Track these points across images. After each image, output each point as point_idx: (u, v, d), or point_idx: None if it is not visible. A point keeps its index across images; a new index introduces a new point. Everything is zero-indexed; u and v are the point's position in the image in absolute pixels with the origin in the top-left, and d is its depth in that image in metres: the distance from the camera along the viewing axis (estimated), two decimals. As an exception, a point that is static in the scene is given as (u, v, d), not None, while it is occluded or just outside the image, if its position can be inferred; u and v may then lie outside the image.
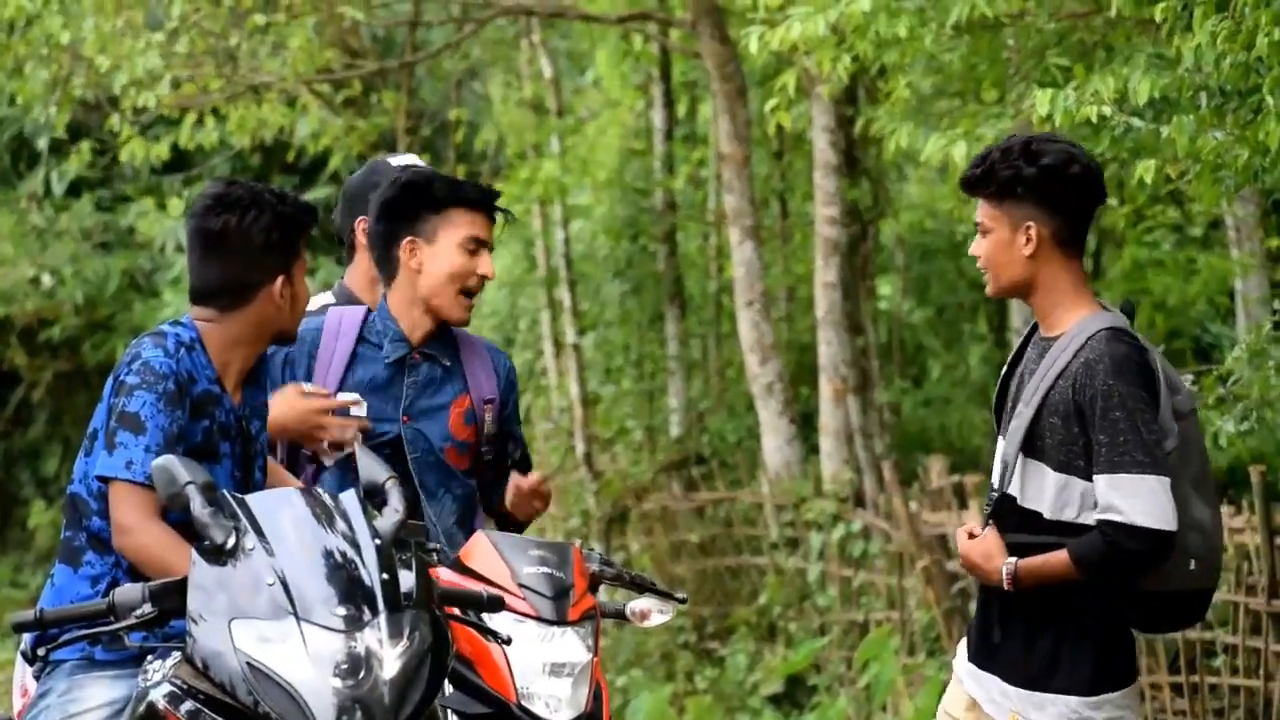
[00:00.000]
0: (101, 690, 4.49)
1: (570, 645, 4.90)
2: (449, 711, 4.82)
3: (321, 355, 5.38)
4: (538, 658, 4.85)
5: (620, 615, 5.34)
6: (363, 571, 3.91)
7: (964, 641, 5.25)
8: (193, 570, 3.95)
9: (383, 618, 3.87)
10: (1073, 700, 4.98)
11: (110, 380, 4.58)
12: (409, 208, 5.31)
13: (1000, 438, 5.14)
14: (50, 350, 20.54)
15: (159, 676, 4.13)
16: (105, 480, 4.50)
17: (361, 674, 3.82)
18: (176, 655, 4.10)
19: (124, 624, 4.03)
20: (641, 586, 5.33)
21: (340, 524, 3.99)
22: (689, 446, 15.34)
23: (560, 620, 4.89)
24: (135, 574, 4.47)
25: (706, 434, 15.63)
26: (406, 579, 3.94)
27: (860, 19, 8.16)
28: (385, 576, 3.91)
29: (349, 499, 4.05)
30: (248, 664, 3.83)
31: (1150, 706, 8.96)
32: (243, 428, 4.67)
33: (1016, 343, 5.28)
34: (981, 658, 5.11)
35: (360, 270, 5.66)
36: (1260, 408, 7.45)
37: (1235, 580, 8.33)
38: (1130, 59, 7.39)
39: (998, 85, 9.65)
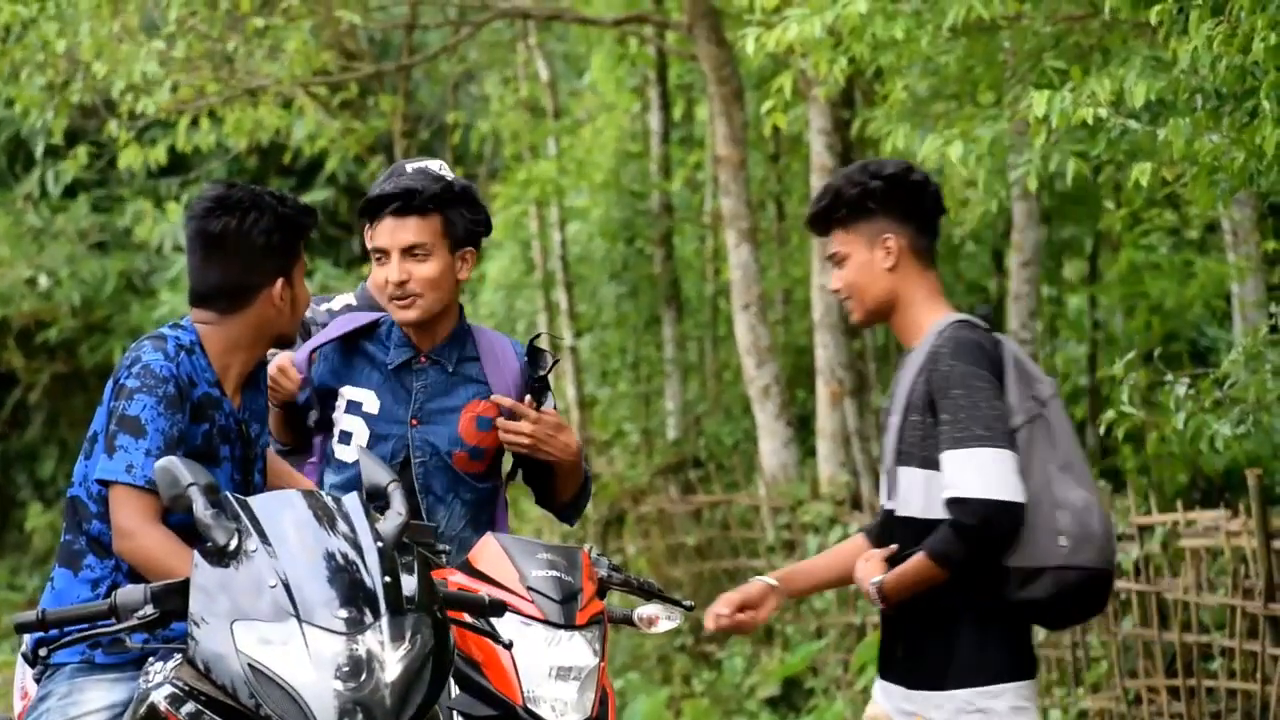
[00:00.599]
0: (101, 693, 4.49)
1: (577, 649, 4.90)
2: (455, 713, 4.82)
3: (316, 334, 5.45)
4: (544, 661, 4.85)
5: (628, 621, 5.34)
6: (365, 574, 3.91)
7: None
8: (195, 572, 3.95)
9: (384, 620, 3.87)
10: (968, 693, 4.96)
11: (110, 383, 4.58)
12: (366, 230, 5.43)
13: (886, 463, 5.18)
14: (47, 352, 20.53)
15: (160, 678, 4.13)
16: (105, 484, 4.49)
17: (363, 676, 3.82)
18: (177, 657, 4.10)
19: (126, 625, 4.03)
20: (649, 593, 5.33)
21: (342, 526, 3.99)
22: (686, 449, 15.35)
23: (568, 624, 4.89)
24: (135, 577, 4.46)
25: (703, 437, 15.64)
26: (409, 582, 3.94)
27: (857, 21, 8.16)
28: (387, 579, 3.91)
29: (351, 501, 4.05)
30: (249, 666, 3.83)
31: (1147, 710, 8.97)
32: (243, 431, 4.67)
33: None
34: (885, 669, 5.12)
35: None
36: (1257, 411, 7.46)
37: (1232, 584, 8.34)
38: (1126, 61, 7.39)
39: (994, 87, 9.66)
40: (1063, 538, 4.94)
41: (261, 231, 4.60)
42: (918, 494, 4.98)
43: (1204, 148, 6.84)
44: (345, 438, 5.32)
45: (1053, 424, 5.01)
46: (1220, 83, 6.68)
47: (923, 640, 5.00)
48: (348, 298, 5.70)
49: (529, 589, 4.87)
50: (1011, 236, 12.09)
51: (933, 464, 4.94)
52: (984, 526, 4.86)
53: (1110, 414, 7.94)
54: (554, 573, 4.93)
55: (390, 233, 5.32)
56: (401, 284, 5.30)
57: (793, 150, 15.47)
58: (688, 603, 5.40)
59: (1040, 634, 9.80)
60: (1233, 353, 7.72)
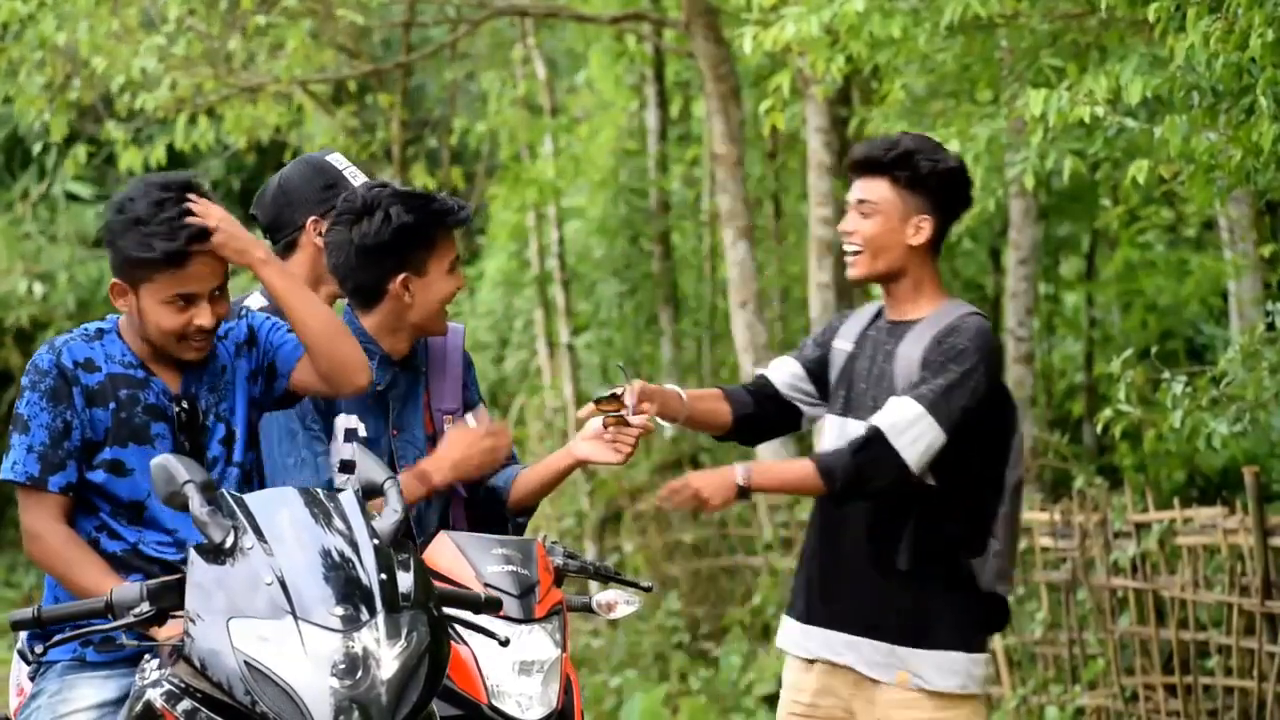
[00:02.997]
0: (92, 691, 4.49)
1: (539, 642, 4.90)
2: None
3: None
4: (507, 657, 4.84)
5: (587, 608, 5.33)
6: (361, 571, 3.91)
7: (796, 626, 5.38)
8: (191, 569, 3.95)
9: (381, 618, 3.86)
10: (960, 657, 5.23)
11: None
12: (401, 244, 5.20)
13: (840, 415, 5.30)
14: (49, 342, 20.52)
15: (156, 675, 4.13)
16: (8, 484, 4.54)
17: (359, 674, 3.82)
18: (167, 650, 4.09)
19: (121, 623, 4.03)
20: (607, 577, 5.34)
21: (339, 524, 3.98)
22: (683, 447, 15.35)
23: (527, 618, 4.89)
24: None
25: (700, 434, 15.62)
26: (405, 579, 3.94)
27: (854, 19, 8.16)
28: (384, 576, 3.91)
29: (348, 499, 4.05)
30: (245, 663, 3.83)
31: (1144, 707, 8.98)
32: (190, 404, 4.63)
33: (843, 324, 5.44)
34: (857, 624, 5.25)
35: (301, 268, 5.47)
36: (1254, 409, 7.46)
37: (1229, 581, 8.34)
38: (1123, 59, 7.39)
39: (991, 85, 9.66)
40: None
41: (137, 248, 4.51)
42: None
43: (1201, 145, 6.84)
44: (348, 467, 5.26)
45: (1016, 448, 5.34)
46: (1217, 80, 6.69)
47: (920, 597, 5.19)
48: (258, 299, 5.54)
49: (486, 585, 4.85)
50: (1009, 234, 12.10)
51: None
52: (876, 472, 5.09)
53: (1108, 412, 7.94)
54: (510, 567, 4.92)
55: (456, 241, 5.31)
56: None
57: (790, 148, 15.47)
58: (645, 584, 5.43)
59: (1038, 632, 9.81)
60: (1230, 351, 7.71)
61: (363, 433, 5.25)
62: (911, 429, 5.07)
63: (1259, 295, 11.08)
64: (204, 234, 4.53)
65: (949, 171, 5.23)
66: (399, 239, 5.15)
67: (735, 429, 5.48)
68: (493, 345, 18.93)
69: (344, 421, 5.23)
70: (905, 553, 5.17)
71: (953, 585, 5.21)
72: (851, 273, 5.27)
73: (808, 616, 5.34)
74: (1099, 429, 8.53)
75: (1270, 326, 7.68)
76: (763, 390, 5.47)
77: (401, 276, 5.18)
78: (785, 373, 5.47)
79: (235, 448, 4.68)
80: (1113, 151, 7.86)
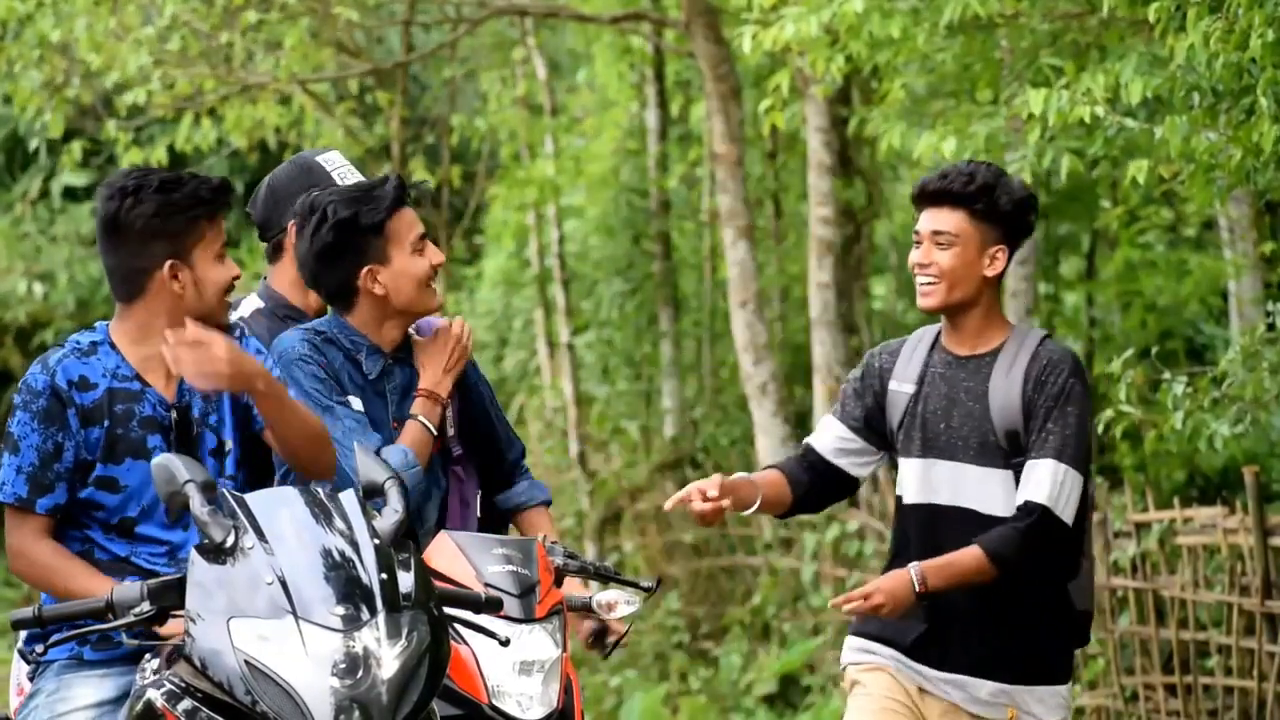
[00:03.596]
0: (89, 690, 4.49)
1: (539, 642, 4.89)
2: None
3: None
4: (507, 656, 4.84)
5: (587, 608, 5.33)
6: (361, 571, 3.91)
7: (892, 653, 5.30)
8: (191, 568, 3.95)
9: (381, 617, 3.86)
10: (1063, 690, 5.26)
11: None
12: (349, 241, 5.14)
13: (922, 458, 5.25)
14: (44, 352, 20.53)
15: (156, 675, 4.13)
16: None
17: (359, 673, 3.81)
18: (167, 649, 4.09)
19: (122, 622, 4.03)
20: (607, 577, 5.33)
21: (339, 523, 3.98)
22: (683, 447, 15.36)
23: (528, 618, 4.89)
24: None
25: (701, 434, 15.64)
26: (405, 579, 3.93)
27: (853, 19, 8.16)
28: (384, 576, 3.90)
29: (348, 498, 4.05)
30: (246, 663, 3.82)
31: (1144, 707, 8.97)
32: (183, 414, 4.62)
33: (893, 365, 5.40)
34: (964, 663, 5.22)
35: (287, 271, 5.47)
36: (1254, 409, 7.46)
37: (1229, 581, 8.34)
38: (1123, 59, 7.39)
39: (991, 85, 9.65)
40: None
41: (139, 215, 4.54)
42: (1001, 494, 5.15)
43: (1201, 145, 6.84)
44: None
45: None
46: (1217, 80, 6.69)
47: (1020, 633, 5.17)
48: (253, 300, 5.53)
49: (486, 585, 4.85)
50: (1009, 234, 12.06)
51: (1018, 469, 5.13)
52: (1045, 540, 5.07)
53: (1108, 412, 7.94)
54: (510, 567, 4.92)
55: (418, 217, 5.27)
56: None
57: (790, 148, 15.47)
58: (646, 584, 5.41)
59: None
60: (1230, 351, 7.71)
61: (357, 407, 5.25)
62: (1065, 490, 5.06)
63: (1259, 295, 11.08)
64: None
65: (1023, 202, 5.23)
66: (344, 235, 5.10)
67: (796, 507, 5.45)
68: (492, 345, 18.94)
69: (350, 403, 5.24)
70: (1013, 591, 5.13)
71: (1057, 615, 5.22)
72: (926, 303, 5.23)
73: (910, 651, 5.26)
74: (1099, 429, 8.53)
75: (1271, 327, 7.68)
76: (812, 462, 5.42)
77: (365, 270, 5.14)
78: (830, 437, 5.41)
79: (227, 461, 4.67)
80: (1112, 151, 7.84)
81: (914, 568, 5.05)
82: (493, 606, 4.31)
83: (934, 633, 5.23)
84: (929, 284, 5.22)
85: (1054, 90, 7.20)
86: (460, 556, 4.92)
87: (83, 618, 4.13)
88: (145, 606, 4.02)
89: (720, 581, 13.34)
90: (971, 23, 8.51)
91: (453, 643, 4.58)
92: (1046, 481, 5.06)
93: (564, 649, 4.94)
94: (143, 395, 4.58)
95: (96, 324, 4.68)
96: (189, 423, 4.63)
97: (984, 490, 5.16)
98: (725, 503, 5.16)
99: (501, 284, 19.01)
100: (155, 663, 4.18)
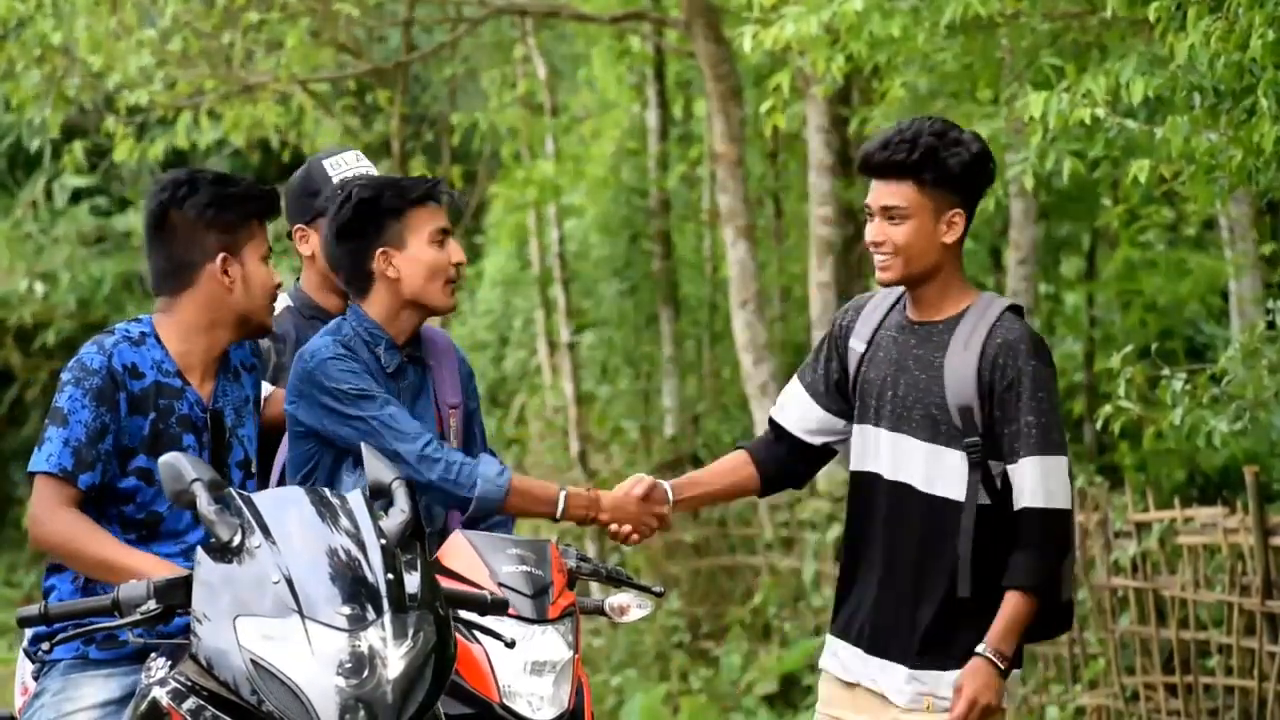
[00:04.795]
0: (95, 689, 4.50)
1: (551, 643, 4.90)
2: None
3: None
4: (519, 657, 4.84)
5: (599, 611, 5.33)
6: (368, 571, 3.91)
7: (836, 643, 5.13)
8: (198, 567, 3.96)
9: (387, 617, 3.87)
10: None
11: None
12: (368, 222, 5.20)
13: (875, 426, 5.02)
14: (45, 352, 20.57)
15: (162, 674, 4.13)
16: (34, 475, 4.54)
17: (365, 673, 3.82)
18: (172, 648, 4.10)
19: (128, 620, 4.03)
20: (619, 581, 5.33)
21: (346, 523, 3.99)
22: (684, 446, 15.36)
23: (540, 619, 4.89)
24: None
25: (701, 434, 15.64)
26: (411, 579, 3.94)
27: (853, 19, 8.16)
28: (390, 576, 3.91)
29: (355, 498, 4.05)
30: (252, 661, 3.83)
31: (1145, 707, 8.98)
32: (215, 421, 4.65)
33: (856, 321, 5.16)
34: (880, 647, 5.01)
35: (310, 273, 5.59)
36: (1254, 408, 7.46)
37: (1229, 581, 8.34)
38: (1124, 59, 7.40)
39: (992, 85, 9.66)
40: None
41: (193, 206, 4.58)
42: (947, 474, 4.94)
43: (1202, 145, 6.84)
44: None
45: None
46: (1218, 80, 6.69)
47: (933, 617, 4.95)
48: (283, 299, 5.56)
49: (500, 585, 4.86)
50: (1009, 234, 12.10)
51: (970, 449, 4.91)
52: (1061, 539, 4.91)
53: (1107, 408, 7.94)
54: (524, 568, 4.93)
55: (444, 215, 5.27)
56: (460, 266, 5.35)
57: (791, 148, 15.48)
58: (658, 589, 5.41)
59: (1038, 631, 9.80)
60: (1230, 349, 7.72)
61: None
62: (1055, 480, 4.87)
63: (1259, 295, 11.08)
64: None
65: (975, 159, 4.98)
66: (363, 214, 5.14)
67: (768, 487, 5.32)
68: (493, 344, 18.94)
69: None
70: (966, 580, 4.92)
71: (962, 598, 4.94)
72: (885, 277, 5.01)
73: (859, 642, 5.06)
74: (1099, 425, 8.54)
75: (1270, 325, 7.69)
76: (779, 438, 5.26)
77: (380, 251, 5.17)
78: (795, 414, 5.24)
79: (250, 485, 4.70)
80: (1113, 151, 7.85)
81: (990, 650, 4.84)
82: (498, 608, 4.31)
83: (868, 618, 5.03)
84: (886, 259, 4.99)
85: (1054, 92, 7.20)
86: (475, 556, 4.93)
87: (89, 615, 4.13)
88: (151, 605, 4.02)
89: (721, 581, 13.34)
90: (972, 22, 8.51)
91: (465, 641, 4.60)
92: (1039, 482, 4.87)
93: (576, 651, 4.94)
94: (183, 393, 4.62)
95: (141, 316, 4.70)
96: (222, 429, 4.65)
97: (929, 467, 4.94)
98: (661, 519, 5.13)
99: (502, 284, 19.01)
100: (161, 661, 4.19)
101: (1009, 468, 4.91)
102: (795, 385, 5.27)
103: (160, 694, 4.06)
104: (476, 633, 4.50)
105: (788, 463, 5.29)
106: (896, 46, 8.65)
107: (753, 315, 12.47)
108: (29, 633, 4.55)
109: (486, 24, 15.33)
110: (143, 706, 4.11)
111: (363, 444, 4.33)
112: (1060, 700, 9.53)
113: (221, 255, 4.61)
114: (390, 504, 4.09)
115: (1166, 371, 7.65)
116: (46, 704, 4.51)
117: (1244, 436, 7.89)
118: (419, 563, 3.98)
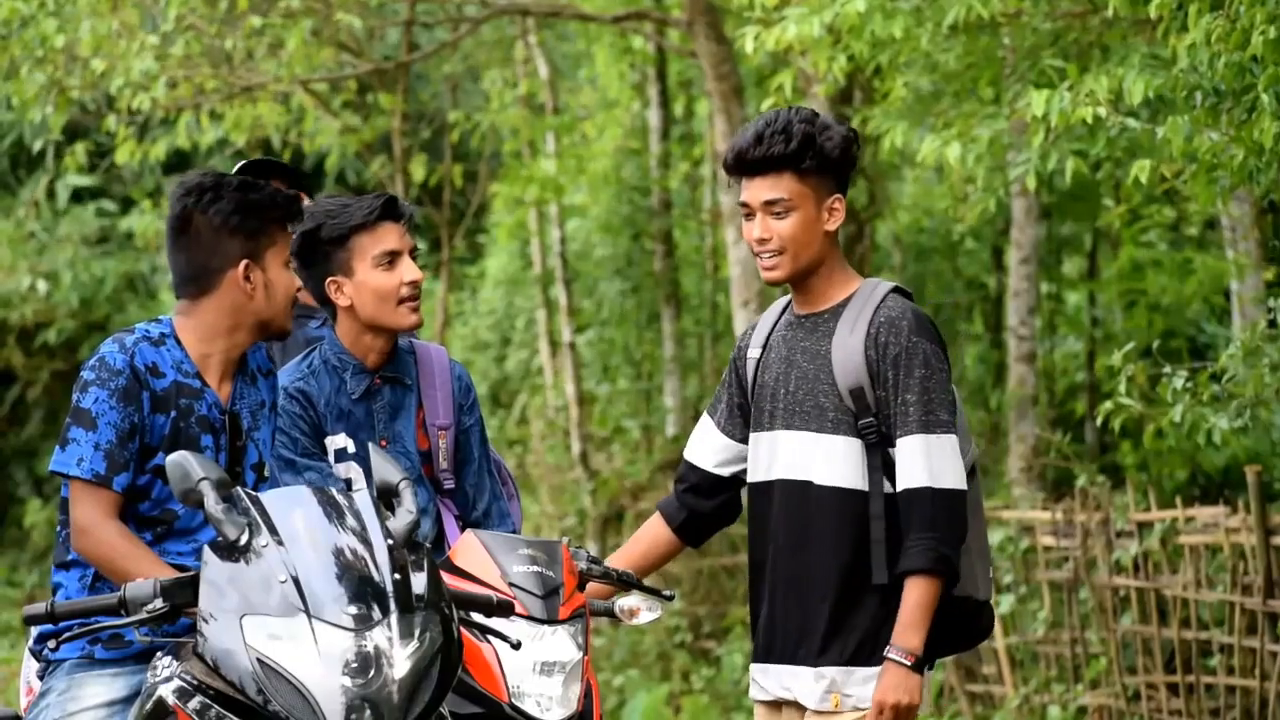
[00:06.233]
0: (100, 689, 4.50)
1: (561, 644, 4.91)
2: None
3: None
4: (529, 657, 4.85)
5: (609, 613, 5.34)
6: (374, 571, 3.92)
7: (755, 668, 5.04)
8: (205, 566, 3.96)
9: (394, 617, 3.87)
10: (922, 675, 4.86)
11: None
12: (314, 252, 5.25)
13: (770, 430, 4.94)
14: (47, 351, 20.59)
15: (168, 673, 4.14)
16: (60, 476, 4.52)
17: (371, 673, 3.82)
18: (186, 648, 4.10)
19: (135, 619, 4.03)
20: (629, 584, 5.34)
21: (353, 523, 3.99)
22: (684, 446, 15.33)
23: (551, 619, 4.90)
24: None
25: (700, 434, 15.60)
26: (418, 579, 3.94)
27: (855, 19, 8.17)
28: (397, 576, 3.91)
29: (362, 498, 4.06)
30: (258, 661, 3.83)
31: (1146, 706, 8.98)
32: (232, 423, 4.66)
33: (750, 337, 5.09)
34: (788, 654, 4.93)
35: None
36: (1255, 406, 7.47)
37: (1231, 580, 8.35)
38: (1125, 59, 7.40)
39: (994, 85, 9.66)
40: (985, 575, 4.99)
41: (219, 212, 4.58)
42: (842, 463, 4.83)
43: (1203, 145, 6.85)
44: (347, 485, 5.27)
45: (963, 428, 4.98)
46: (1219, 79, 6.69)
47: (839, 618, 4.84)
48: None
49: (511, 585, 4.87)
50: (1011, 233, 12.11)
51: (847, 431, 4.83)
52: (949, 515, 4.76)
53: (1108, 405, 7.95)
54: (535, 568, 4.93)
55: (396, 235, 5.29)
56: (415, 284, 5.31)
57: (792, 147, 15.45)
58: (668, 592, 5.41)
59: (1040, 631, 9.81)
60: (1231, 347, 7.72)
61: (352, 449, 5.29)
62: (941, 458, 4.76)
63: (1260, 293, 11.08)
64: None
65: (847, 141, 4.89)
66: (309, 245, 5.21)
67: (685, 539, 5.21)
68: (494, 344, 18.95)
69: (333, 443, 5.29)
70: (882, 566, 4.81)
71: (867, 591, 4.83)
72: (774, 275, 4.90)
73: (778, 655, 4.95)
74: (1099, 423, 8.55)
75: (1272, 323, 7.69)
76: (694, 482, 5.17)
77: (329, 281, 5.25)
78: (706, 449, 5.15)
79: (263, 487, 4.70)
80: (1115, 151, 7.86)
81: (896, 650, 4.74)
82: (504, 610, 4.32)
83: (775, 629, 4.95)
84: (773, 257, 4.89)
85: (1057, 92, 7.21)
86: (486, 556, 4.94)
87: (96, 614, 4.14)
88: (158, 604, 4.02)
89: (722, 581, 13.35)
90: (974, 22, 8.52)
91: (474, 641, 4.61)
92: (920, 460, 4.75)
93: (586, 652, 4.95)
94: (202, 394, 4.62)
95: (160, 317, 4.70)
96: (239, 431, 4.67)
97: (827, 458, 4.84)
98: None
99: (504, 283, 19.02)
100: (167, 660, 4.20)
101: (891, 449, 4.82)
102: (704, 420, 5.21)
103: (166, 692, 4.07)
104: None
105: (705, 504, 5.18)
106: (898, 47, 8.65)
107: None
108: (34, 631, 4.56)
109: (488, 23, 15.32)
110: (148, 705, 4.11)
111: (370, 445, 4.34)
112: (1062, 700, 9.54)
113: (244, 262, 4.61)
114: (397, 504, 4.10)
115: (1167, 369, 7.66)
116: (52, 703, 4.51)
117: (1245, 435, 7.89)
118: (425, 563, 3.99)
